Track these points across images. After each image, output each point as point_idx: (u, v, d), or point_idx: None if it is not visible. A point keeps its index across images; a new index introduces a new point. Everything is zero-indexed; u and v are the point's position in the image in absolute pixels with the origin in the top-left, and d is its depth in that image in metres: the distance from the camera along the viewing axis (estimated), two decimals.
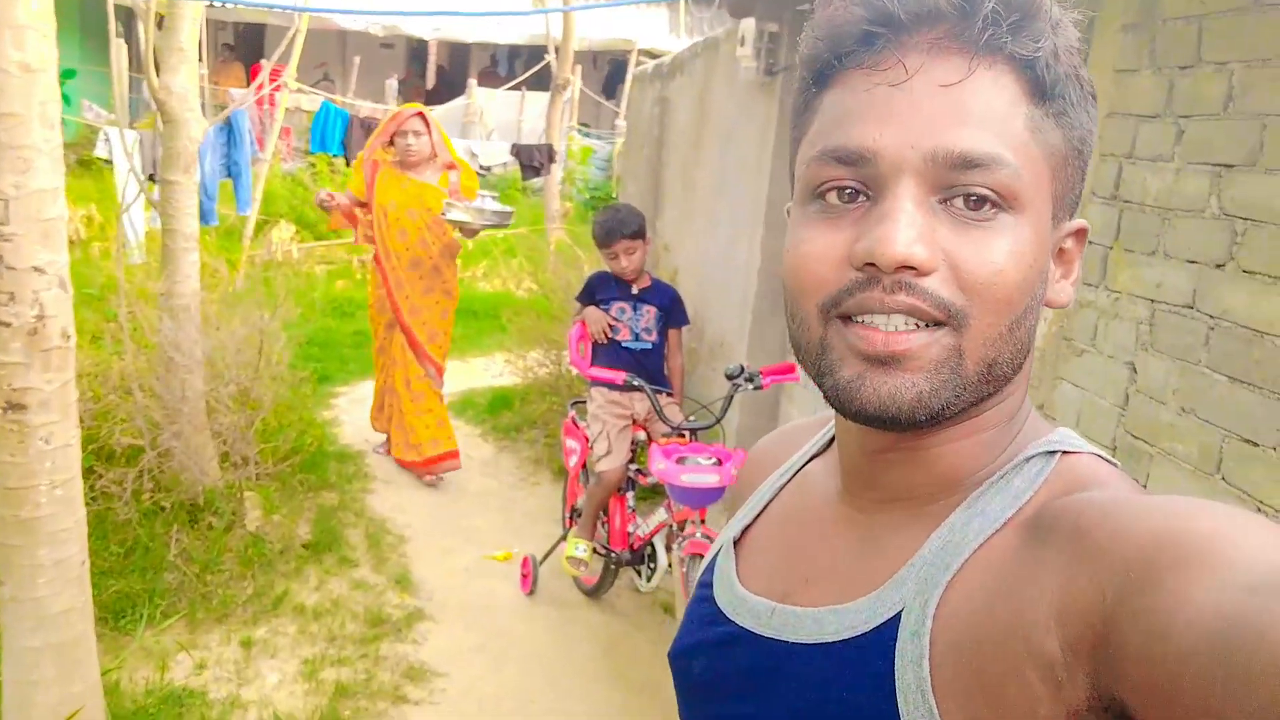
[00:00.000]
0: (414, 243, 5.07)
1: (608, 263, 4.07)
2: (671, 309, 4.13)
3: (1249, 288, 2.22)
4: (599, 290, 4.10)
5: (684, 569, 3.33)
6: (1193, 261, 2.40)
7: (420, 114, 5.11)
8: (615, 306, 4.04)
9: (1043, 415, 0.79)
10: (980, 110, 0.65)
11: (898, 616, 0.67)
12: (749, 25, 4.72)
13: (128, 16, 9.07)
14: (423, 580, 4.31)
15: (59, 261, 2.47)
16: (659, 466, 3.32)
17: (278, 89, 8.95)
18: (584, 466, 4.22)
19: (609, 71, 18.93)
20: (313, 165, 11.70)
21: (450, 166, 5.18)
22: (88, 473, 3.90)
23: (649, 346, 4.05)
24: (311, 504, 4.74)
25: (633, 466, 3.97)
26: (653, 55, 14.59)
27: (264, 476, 4.50)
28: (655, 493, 4.36)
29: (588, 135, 15.15)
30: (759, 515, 0.89)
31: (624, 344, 4.01)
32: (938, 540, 0.69)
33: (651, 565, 3.92)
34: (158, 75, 4.08)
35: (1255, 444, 2.19)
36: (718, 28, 15.14)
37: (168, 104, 4.08)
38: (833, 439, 0.86)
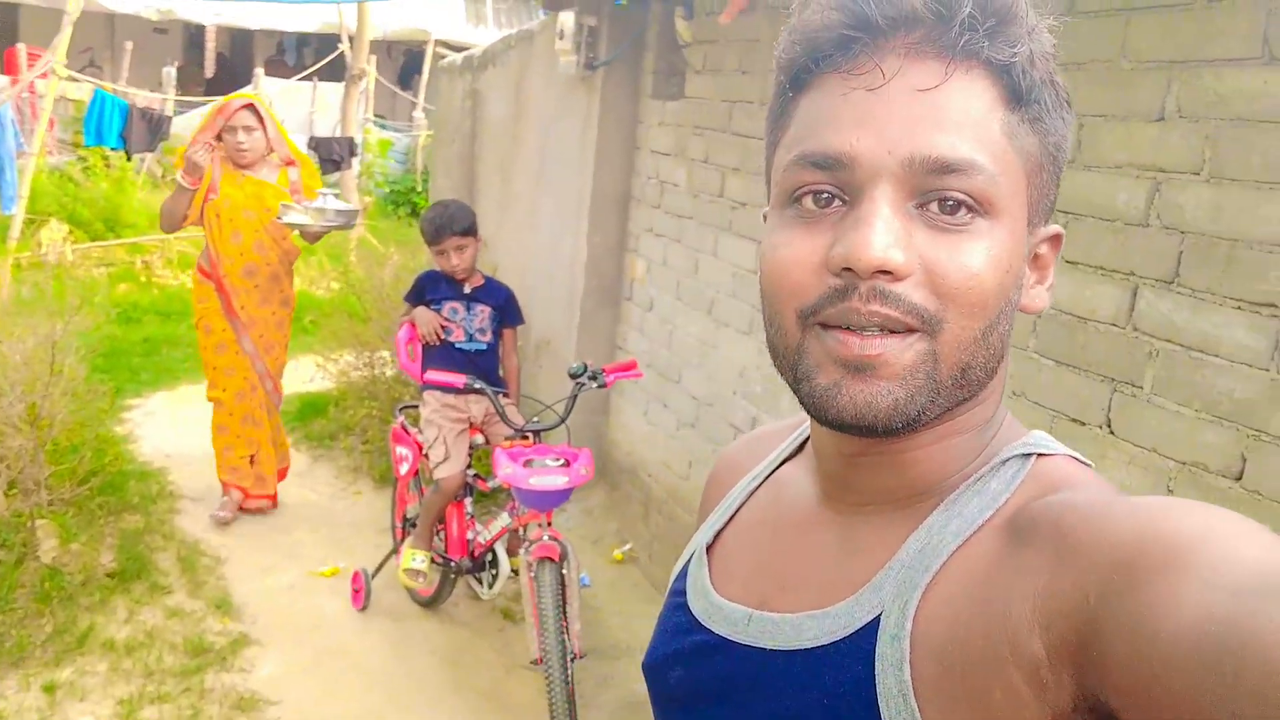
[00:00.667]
0: (249, 247, 4.49)
1: (437, 261, 3.93)
2: (506, 308, 4.03)
3: (1073, 278, 2.37)
4: (429, 290, 3.95)
5: (532, 574, 3.26)
6: None
7: (251, 105, 4.51)
8: (447, 306, 3.91)
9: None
10: (957, 115, 0.65)
11: (876, 620, 0.67)
12: (568, 19, 4.68)
13: None
14: (245, 603, 4.04)
15: None
16: (505, 471, 3.24)
17: (43, 76, 8.19)
18: (415, 474, 4.08)
19: (404, 62, 18.45)
20: (84, 159, 10.80)
21: (289, 162, 4.61)
22: None
23: (484, 347, 3.94)
24: (114, 529, 4.36)
25: (470, 471, 3.86)
26: (450, 46, 14.31)
27: (57, 502, 4.10)
28: (489, 497, 4.26)
29: (385, 127, 14.70)
30: (729, 520, 0.88)
31: (457, 345, 3.89)
32: (915, 542, 0.69)
33: (493, 571, 3.83)
34: None
35: (1082, 423, 2.35)
36: (522, 19, 15.04)
37: None
38: (805, 442, 0.87)
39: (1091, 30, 2.33)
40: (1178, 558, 0.53)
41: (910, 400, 0.66)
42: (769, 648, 0.73)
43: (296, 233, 4.54)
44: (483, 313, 3.94)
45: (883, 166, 0.65)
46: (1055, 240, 0.75)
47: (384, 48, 16.66)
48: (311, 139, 9.72)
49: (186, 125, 11.06)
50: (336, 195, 4.13)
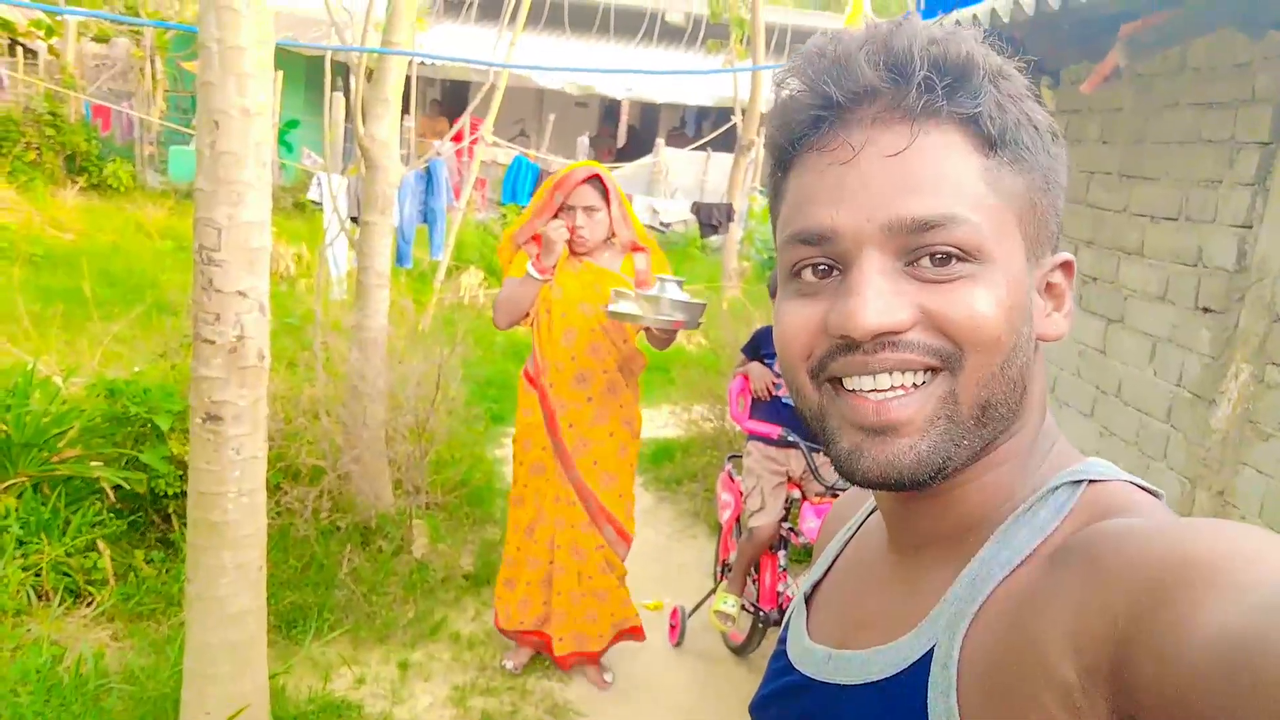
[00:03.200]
0: (582, 349, 3.60)
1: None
2: None
3: None
4: (764, 345, 4.09)
5: None
6: None
7: (596, 176, 3.58)
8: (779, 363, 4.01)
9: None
10: (929, 173, 0.67)
11: (931, 651, 0.69)
12: None
13: (345, 71, 9.83)
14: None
15: (260, 287, 2.69)
16: (810, 525, 3.28)
17: (475, 142, 9.44)
18: (737, 521, 4.21)
19: None
20: (503, 216, 12.25)
21: (636, 248, 3.73)
22: (274, 489, 4.19)
23: None
24: (475, 537, 4.90)
25: (786, 524, 3.93)
26: None
27: (433, 506, 4.70)
28: (807, 554, 4.29)
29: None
30: (828, 570, 0.92)
31: (784, 399, 3.99)
32: (968, 575, 0.70)
33: None
34: (364, 124, 4.40)
35: None
36: None
37: (370, 150, 4.39)
38: None
39: None
40: (1202, 576, 0.53)
41: (933, 450, 0.69)
42: (843, 683, 0.76)
43: (642, 333, 3.70)
44: None
45: (865, 234, 0.68)
46: (1067, 267, 0.76)
47: None
48: (694, 204, 10.32)
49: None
50: (681, 284, 3.41)
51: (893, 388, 0.69)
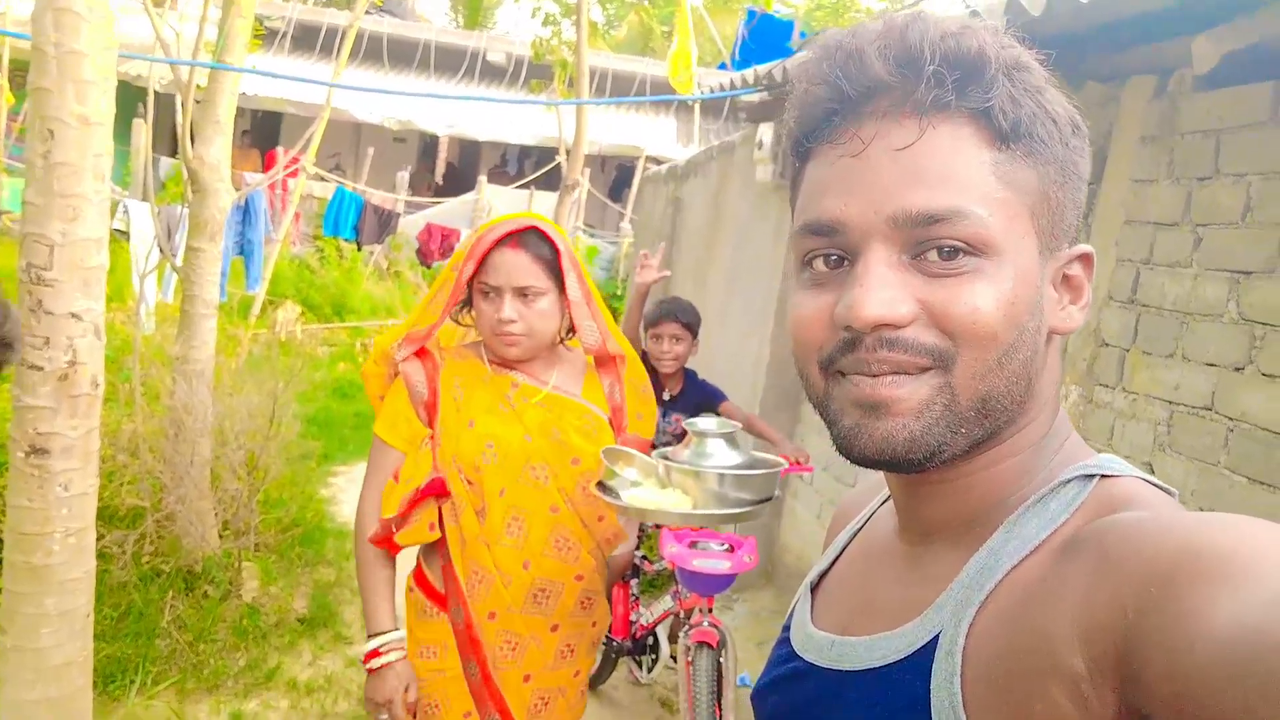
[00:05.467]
0: (540, 547, 2.04)
1: (649, 347, 3.90)
2: (705, 404, 3.95)
3: (1269, 391, 2.26)
4: None
5: (689, 658, 3.27)
6: (1211, 364, 2.45)
7: (534, 228, 1.99)
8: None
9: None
10: (937, 167, 0.68)
11: (936, 638, 0.69)
12: (767, 130, 4.88)
13: (157, 98, 9.33)
14: None
15: (95, 309, 2.50)
16: (671, 550, 3.29)
17: (293, 174, 9.13)
18: None
19: (616, 176, 19.35)
20: (320, 249, 11.87)
21: (604, 359, 2.14)
22: None
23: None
24: (308, 579, 4.67)
25: (638, 553, 3.94)
26: (660, 162, 14.96)
27: (263, 547, 4.45)
28: (660, 582, 4.31)
29: (593, 236, 15.41)
30: (835, 560, 0.93)
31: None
32: (975, 564, 0.71)
33: (653, 656, 3.86)
34: (192, 146, 4.18)
35: None
36: (724, 138, 15.54)
37: (200, 174, 4.17)
38: None
39: None
40: (1212, 569, 0.54)
41: (926, 433, 0.69)
42: (845, 669, 0.77)
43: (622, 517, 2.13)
44: (676, 422, 3.89)
45: (871, 227, 0.69)
46: (1086, 259, 0.76)
47: (598, 162, 17.57)
48: None
49: (413, 225, 12.01)
50: (735, 432, 1.86)
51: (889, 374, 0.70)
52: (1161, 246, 2.67)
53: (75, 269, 2.41)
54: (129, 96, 6.97)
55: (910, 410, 0.69)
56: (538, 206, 15.07)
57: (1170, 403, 2.58)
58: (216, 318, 4.24)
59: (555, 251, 2.01)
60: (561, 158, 12.07)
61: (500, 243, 1.98)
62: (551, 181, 13.54)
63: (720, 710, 3.21)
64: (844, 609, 0.84)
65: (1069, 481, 0.71)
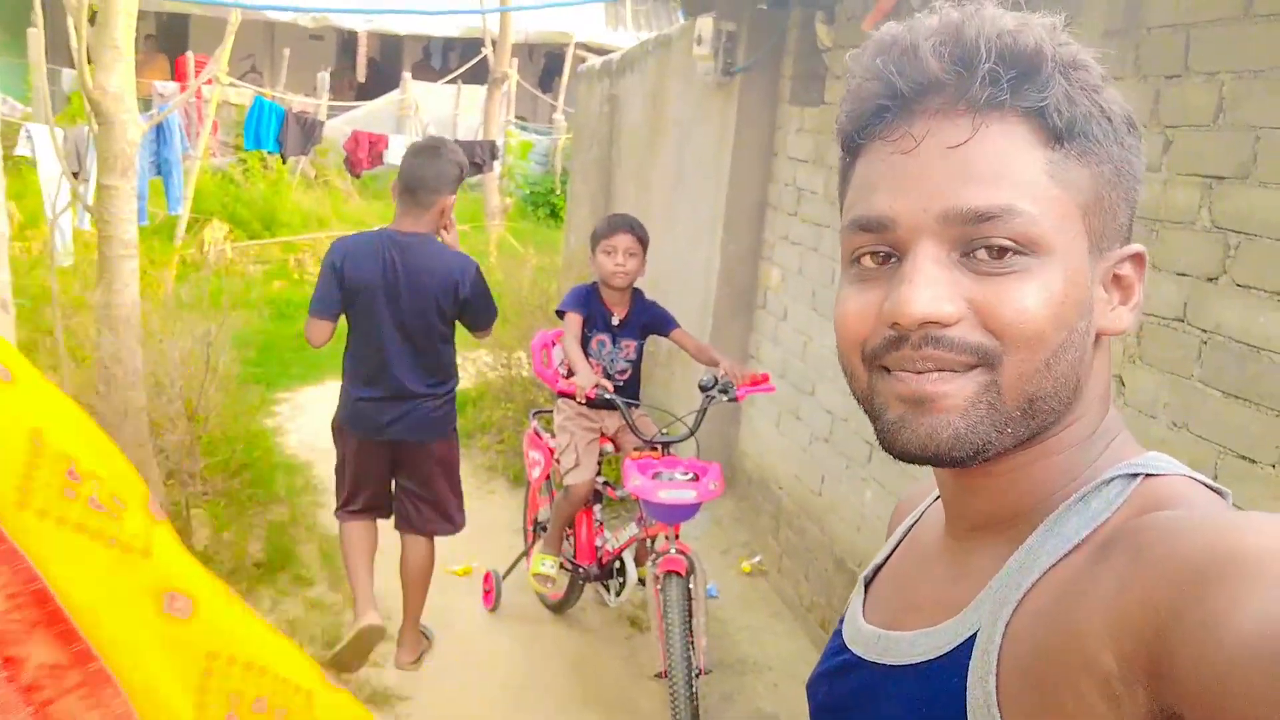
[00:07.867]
0: None
1: (600, 261, 3.67)
2: (654, 325, 3.83)
3: (1244, 302, 2.20)
4: (583, 306, 3.72)
5: (658, 585, 3.24)
6: (1183, 274, 2.38)
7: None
8: (595, 339, 3.74)
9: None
10: (989, 165, 0.68)
11: (974, 636, 0.70)
12: (706, 24, 4.65)
13: (47, 5, 8.71)
14: (381, 597, 4.16)
15: (1, 280, 2.30)
16: (635, 483, 3.23)
17: (208, 82, 8.65)
18: (546, 479, 4.11)
19: (545, 64, 18.76)
20: (244, 162, 11.36)
21: None
22: None
23: (621, 384, 3.73)
24: (261, 520, 4.56)
25: (600, 479, 3.87)
26: (590, 48, 14.47)
27: (211, 493, 4.32)
28: (619, 505, 4.27)
29: (525, 129, 14.98)
30: (890, 554, 0.94)
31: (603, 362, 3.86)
32: (1015, 562, 0.71)
33: (620, 579, 3.83)
34: (90, 74, 3.86)
35: (1253, 460, 2.18)
36: (661, 22, 15.08)
37: (103, 104, 3.87)
38: None
39: (1270, 36, 2.17)
40: (1245, 569, 0.54)
41: (971, 430, 0.69)
42: (889, 663, 0.78)
43: None
44: (627, 348, 3.77)
45: (921, 224, 0.69)
46: (1137, 259, 0.76)
47: (525, 51, 16.98)
48: (455, 142, 9.96)
49: (339, 131, 11.54)
50: None
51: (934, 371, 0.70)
52: None
53: None
54: (20, 2, 6.43)
55: (956, 407, 0.69)
56: (466, 102, 14.57)
57: (1141, 314, 2.52)
58: (138, 258, 3.99)
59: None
60: (488, 49, 11.63)
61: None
62: (479, 75, 13.06)
63: (692, 634, 3.20)
64: (892, 604, 0.86)
65: (1112, 480, 0.71)
